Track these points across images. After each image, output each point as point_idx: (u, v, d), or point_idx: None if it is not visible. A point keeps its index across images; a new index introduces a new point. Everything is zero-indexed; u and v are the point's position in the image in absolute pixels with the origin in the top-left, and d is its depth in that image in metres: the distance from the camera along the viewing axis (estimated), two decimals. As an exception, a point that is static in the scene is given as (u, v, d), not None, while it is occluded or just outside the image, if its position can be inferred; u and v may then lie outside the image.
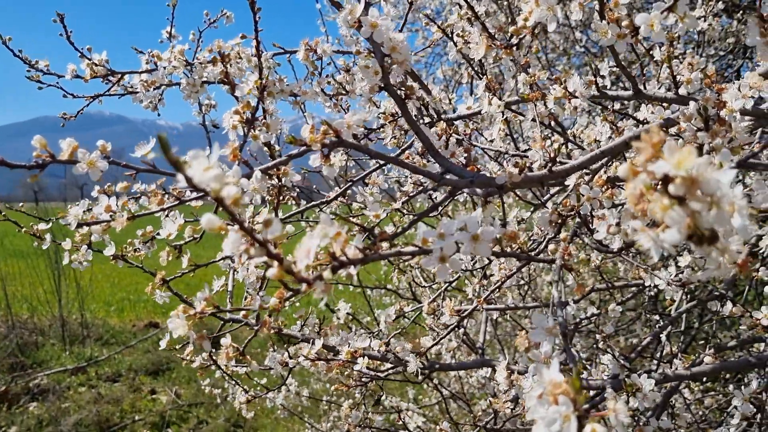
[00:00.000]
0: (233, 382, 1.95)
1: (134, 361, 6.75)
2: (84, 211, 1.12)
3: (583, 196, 1.05)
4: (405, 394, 4.60)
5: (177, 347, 1.65)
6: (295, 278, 0.66)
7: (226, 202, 0.60)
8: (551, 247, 1.06)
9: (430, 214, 1.34)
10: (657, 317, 2.21)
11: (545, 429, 0.63)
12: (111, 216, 1.08)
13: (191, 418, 5.54)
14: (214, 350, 1.48)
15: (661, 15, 0.90)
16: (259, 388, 2.21)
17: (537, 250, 1.18)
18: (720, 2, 2.42)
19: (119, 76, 1.85)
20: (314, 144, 0.98)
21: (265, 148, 1.33)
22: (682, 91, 1.28)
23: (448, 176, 1.06)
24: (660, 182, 0.49)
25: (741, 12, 3.37)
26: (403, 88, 1.11)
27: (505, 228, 0.94)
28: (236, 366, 1.95)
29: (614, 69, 1.58)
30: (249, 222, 1.47)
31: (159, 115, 1.79)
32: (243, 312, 1.03)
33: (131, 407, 5.66)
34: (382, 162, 1.60)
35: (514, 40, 1.04)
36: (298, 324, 1.67)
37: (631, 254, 1.81)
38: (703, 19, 2.26)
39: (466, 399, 2.99)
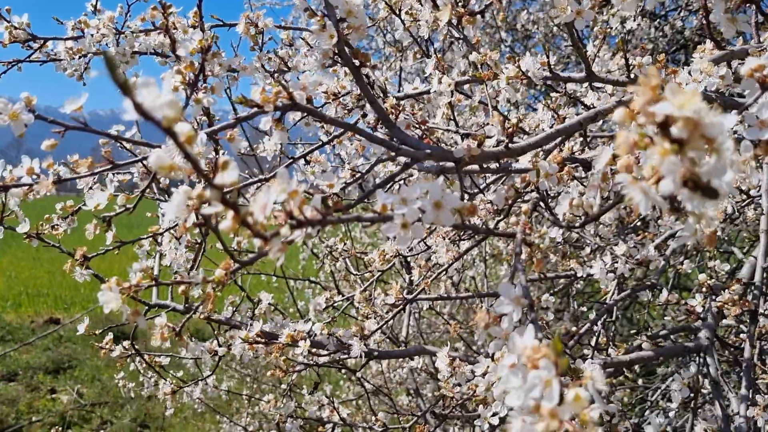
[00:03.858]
0: (155, 374, 1.83)
1: (32, 359, 6.34)
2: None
3: (541, 171, 1.03)
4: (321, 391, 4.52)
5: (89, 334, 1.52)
6: (252, 232, 0.60)
7: (179, 138, 0.53)
8: (512, 219, 1.03)
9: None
10: (585, 310, 2.25)
11: (519, 399, 0.59)
12: (34, 179, 0.97)
13: (94, 418, 5.26)
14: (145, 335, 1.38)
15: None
16: (174, 382, 2.10)
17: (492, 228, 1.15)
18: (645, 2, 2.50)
19: (42, 41, 1.70)
20: (266, 105, 0.91)
21: (205, 118, 1.24)
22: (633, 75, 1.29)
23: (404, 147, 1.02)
24: (659, 127, 0.47)
25: (659, 21, 3.52)
26: (358, 55, 1.06)
27: (465, 201, 0.90)
28: (158, 356, 1.84)
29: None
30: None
31: (84, 84, 1.66)
32: (182, 288, 0.94)
33: (28, 408, 5.31)
34: (322, 141, 1.54)
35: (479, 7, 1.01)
36: (229, 310, 1.58)
37: (569, 245, 1.82)
38: (632, 18, 2.34)
39: (389, 394, 2.96)
